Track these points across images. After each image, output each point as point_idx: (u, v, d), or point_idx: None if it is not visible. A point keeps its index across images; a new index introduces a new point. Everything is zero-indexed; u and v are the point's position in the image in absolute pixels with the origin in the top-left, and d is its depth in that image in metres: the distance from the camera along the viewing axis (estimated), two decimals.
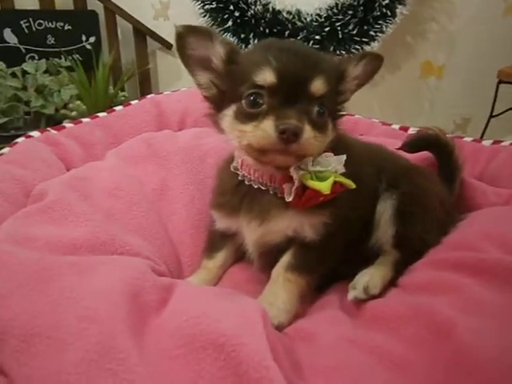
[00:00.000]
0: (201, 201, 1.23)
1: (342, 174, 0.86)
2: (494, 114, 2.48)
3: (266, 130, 0.75)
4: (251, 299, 0.78)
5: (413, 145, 1.34)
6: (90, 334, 0.62)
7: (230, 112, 0.85)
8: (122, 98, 2.63)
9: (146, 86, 3.03)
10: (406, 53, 3.12)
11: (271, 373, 0.51)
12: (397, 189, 1.02)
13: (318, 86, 0.79)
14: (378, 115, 3.06)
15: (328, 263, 0.96)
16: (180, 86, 1.81)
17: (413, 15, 2.79)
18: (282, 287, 0.92)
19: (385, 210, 1.01)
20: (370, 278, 0.94)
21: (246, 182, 0.93)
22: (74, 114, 2.32)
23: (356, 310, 0.90)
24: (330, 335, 0.77)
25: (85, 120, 1.61)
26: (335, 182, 0.83)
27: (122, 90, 2.81)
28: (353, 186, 0.85)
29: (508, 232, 0.95)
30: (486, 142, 1.61)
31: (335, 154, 0.86)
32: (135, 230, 1.06)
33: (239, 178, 0.95)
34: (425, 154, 1.38)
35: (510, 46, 2.48)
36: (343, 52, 2.57)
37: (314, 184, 0.81)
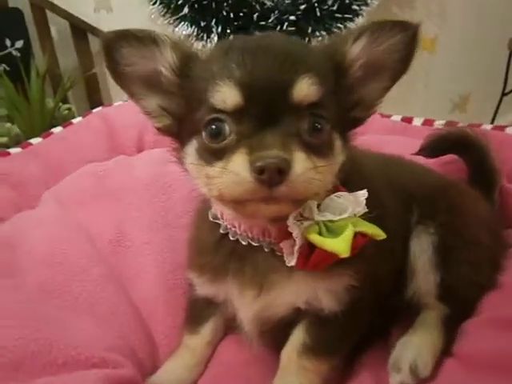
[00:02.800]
0: (173, 252, 1.06)
1: (364, 216, 0.66)
2: (506, 91, 2.33)
3: (236, 171, 0.58)
4: None
5: (435, 148, 1.17)
6: None
7: (191, 149, 0.68)
8: (66, 112, 2.40)
9: (94, 94, 2.81)
10: None
11: None
12: (433, 219, 0.88)
13: (304, 90, 0.61)
14: None
15: (356, 337, 0.82)
16: None
17: None
18: (296, 379, 0.77)
19: (422, 250, 0.87)
20: (416, 352, 0.79)
21: (231, 237, 0.76)
22: (5, 140, 2.05)
23: None
24: None
25: (13, 151, 1.42)
26: (356, 234, 0.64)
27: (65, 101, 2.58)
28: (382, 235, 0.66)
29: None
30: (511, 130, 1.45)
31: (350, 187, 0.68)
32: (85, 310, 0.91)
33: (221, 230, 0.77)
34: (449, 157, 1.20)
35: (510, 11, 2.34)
36: (323, 33, 2.35)
37: (326, 243, 0.62)
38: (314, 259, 0.65)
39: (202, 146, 0.65)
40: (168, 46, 0.69)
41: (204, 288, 0.86)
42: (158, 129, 0.75)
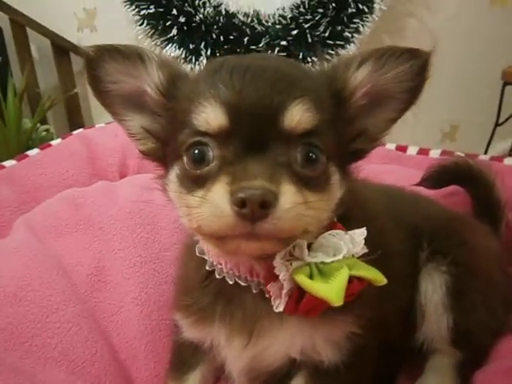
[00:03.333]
0: (158, 288, 1.01)
1: (364, 258, 0.61)
2: (499, 121, 2.38)
3: (215, 202, 0.54)
4: None
5: (437, 179, 1.15)
6: None
7: (173, 176, 0.65)
8: (44, 134, 2.35)
9: (75, 116, 2.78)
10: None
11: None
12: (444, 256, 0.84)
13: (297, 116, 0.58)
14: None
15: None
16: None
17: (388, 11, 2.67)
18: None
19: (433, 290, 0.83)
20: None
21: (217, 275, 0.71)
22: None
23: None
24: None
25: None
26: (352, 279, 0.59)
27: (44, 122, 2.53)
28: (383, 281, 0.61)
29: None
30: (509, 161, 1.46)
31: (351, 223, 0.64)
32: (58, 355, 0.86)
33: (207, 267, 0.73)
34: (451, 188, 1.19)
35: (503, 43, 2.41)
36: (314, 59, 2.38)
37: (315, 289, 0.57)
38: (303, 305, 0.59)
39: (183, 173, 0.62)
40: (155, 64, 0.67)
41: (190, 331, 0.80)
42: (142, 152, 0.72)
